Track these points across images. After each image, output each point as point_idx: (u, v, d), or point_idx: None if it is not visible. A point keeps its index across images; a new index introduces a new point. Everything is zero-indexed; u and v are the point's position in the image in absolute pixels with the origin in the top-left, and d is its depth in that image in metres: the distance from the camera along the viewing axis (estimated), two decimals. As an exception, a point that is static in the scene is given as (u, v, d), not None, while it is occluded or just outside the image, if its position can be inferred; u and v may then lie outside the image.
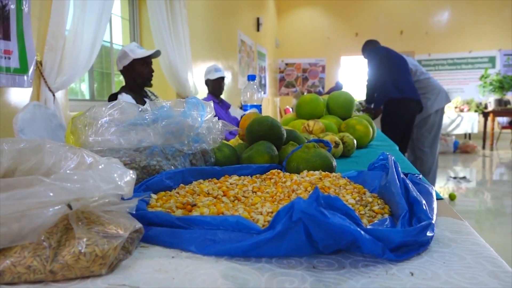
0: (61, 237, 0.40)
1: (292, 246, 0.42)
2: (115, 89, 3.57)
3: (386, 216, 0.54)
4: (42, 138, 0.51)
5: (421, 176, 0.73)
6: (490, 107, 7.66)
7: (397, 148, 1.63)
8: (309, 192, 0.62)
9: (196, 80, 4.37)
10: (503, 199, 4.00)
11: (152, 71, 2.63)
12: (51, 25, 2.34)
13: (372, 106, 3.68)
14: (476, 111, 8.08)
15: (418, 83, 3.71)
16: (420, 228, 0.45)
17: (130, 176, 0.47)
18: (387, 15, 9.56)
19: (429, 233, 0.46)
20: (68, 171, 0.48)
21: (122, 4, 3.91)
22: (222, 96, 3.60)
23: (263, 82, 8.52)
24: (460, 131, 7.75)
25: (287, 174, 0.74)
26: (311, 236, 0.41)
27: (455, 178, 4.93)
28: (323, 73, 10.23)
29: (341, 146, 1.19)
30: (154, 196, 0.62)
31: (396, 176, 0.59)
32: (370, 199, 0.59)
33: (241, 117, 1.19)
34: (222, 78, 3.44)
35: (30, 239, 0.37)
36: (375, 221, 0.52)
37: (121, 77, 2.68)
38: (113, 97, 2.56)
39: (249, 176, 0.76)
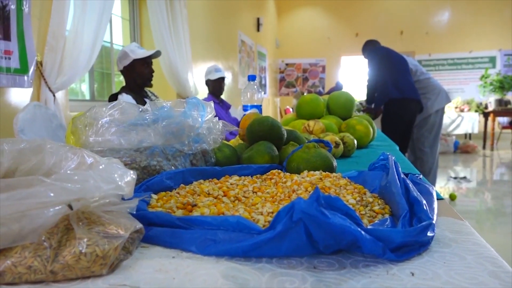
0: (61, 237, 0.40)
1: (292, 246, 0.42)
2: (115, 90, 3.57)
3: (387, 216, 0.54)
4: (43, 139, 0.51)
5: (421, 176, 0.73)
6: (491, 107, 7.66)
7: (397, 148, 1.63)
8: (310, 192, 0.62)
9: (196, 80, 4.37)
10: (503, 199, 4.00)
11: (153, 71, 2.63)
12: (52, 25, 2.34)
13: (373, 106, 3.68)
14: (476, 111, 8.08)
15: (418, 83, 3.71)
16: (421, 228, 0.45)
17: (130, 176, 0.47)
18: (387, 15, 9.56)
19: (429, 233, 0.46)
20: (68, 172, 0.48)
21: (122, 4, 3.91)
22: (223, 97, 3.60)
23: (263, 82, 8.52)
24: (460, 131, 7.75)
25: (288, 174, 0.74)
26: (312, 236, 0.41)
27: (455, 178, 4.93)
28: (323, 73, 10.23)
29: (341, 146, 1.19)
30: (154, 196, 0.62)
31: (396, 176, 0.59)
32: (371, 199, 0.59)
33: (241, 117, 1.19)
34: (222, 79, 3.44)
35: (30, 239, 0.37)
36: (376, 221, 0.52)
37: (122, 77, 2.68)
38: (113, 97, 2.56)
39: (249, 176, 0.76)
